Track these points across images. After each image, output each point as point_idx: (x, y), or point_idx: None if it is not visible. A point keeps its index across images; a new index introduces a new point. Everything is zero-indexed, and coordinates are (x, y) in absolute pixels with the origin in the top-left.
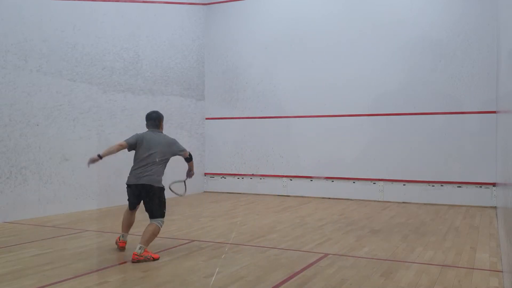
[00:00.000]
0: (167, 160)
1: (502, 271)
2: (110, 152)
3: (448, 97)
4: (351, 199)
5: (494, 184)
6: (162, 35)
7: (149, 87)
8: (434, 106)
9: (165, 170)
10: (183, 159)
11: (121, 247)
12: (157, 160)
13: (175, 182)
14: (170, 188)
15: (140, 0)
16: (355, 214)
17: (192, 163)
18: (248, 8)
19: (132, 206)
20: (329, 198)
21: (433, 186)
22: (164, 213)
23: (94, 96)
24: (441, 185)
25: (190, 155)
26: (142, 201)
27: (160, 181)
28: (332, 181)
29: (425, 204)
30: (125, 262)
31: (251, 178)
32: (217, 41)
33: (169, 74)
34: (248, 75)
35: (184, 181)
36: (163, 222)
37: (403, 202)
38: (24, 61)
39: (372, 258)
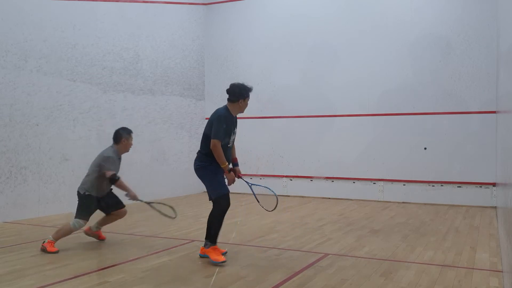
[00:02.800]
0: None
1: (502, 271)
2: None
3: (448, 97)
4: (351, 199)
5: (494, 184)
6: (162, 35)
7: (149, 87)
8: (434, 106)
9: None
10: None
11: None
12: None
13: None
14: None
15: (140, 0)
16: (355, 214)
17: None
18: (248, 8)
19: None
20: (329, 198)
21: (433, 186)
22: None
23: (94, 96)
24: (441, 185)
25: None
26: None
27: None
28: (332, 181)
29: (425, 204)
30: (125, 262)
31: (251, 178)
32: (217, 41)
33: (169, 74)
34: (248, 75)
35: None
36: None
37: (403, 202)
38: (24, 61)
39: (372, 258)
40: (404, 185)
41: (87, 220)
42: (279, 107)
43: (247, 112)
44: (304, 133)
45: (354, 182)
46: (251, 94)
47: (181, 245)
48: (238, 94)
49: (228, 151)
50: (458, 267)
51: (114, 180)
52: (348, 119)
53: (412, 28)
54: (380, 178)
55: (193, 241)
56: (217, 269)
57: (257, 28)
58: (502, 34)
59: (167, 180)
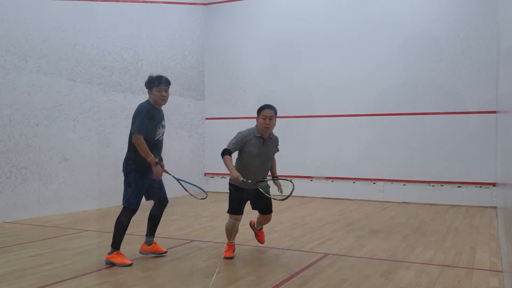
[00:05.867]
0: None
1: (502, 271)
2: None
3: (448, 97)
4: (351, 199)
5: (494, 184)
6: (162, 35)
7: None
8: (434, 106)
9: None
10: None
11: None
12: None
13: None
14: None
15: (140, 0)
16: (355, 214)
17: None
18: (248, 8)
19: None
20: (329, 198)
21: (433, 186)
22: None
23: (94, 96)
24: (441, 185)
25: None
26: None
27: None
28: (332, 181)
29: (425, 204)
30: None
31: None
32: (217, 41)
33: (169, 74)
34: (248, 75)
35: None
36: None
37: (403, 202)
38: (24, 61)
39: (372, 258)
40: (404, 185)
41: None
42: (279, 107)
43: (247, 112)
44: (304, 133)
45: (354, 182)
46: (252, 94)
47: (181, 245)
48: (148, 83)
49: (159, 145)
50: (458, 267)
51: None
52: (348, 119)
53: (412, 28)
54: (380, 178)
55: (193, 241)
56: (217, 269)
57: (257, 28)
58: (502, 34)
59: (166, 180)
